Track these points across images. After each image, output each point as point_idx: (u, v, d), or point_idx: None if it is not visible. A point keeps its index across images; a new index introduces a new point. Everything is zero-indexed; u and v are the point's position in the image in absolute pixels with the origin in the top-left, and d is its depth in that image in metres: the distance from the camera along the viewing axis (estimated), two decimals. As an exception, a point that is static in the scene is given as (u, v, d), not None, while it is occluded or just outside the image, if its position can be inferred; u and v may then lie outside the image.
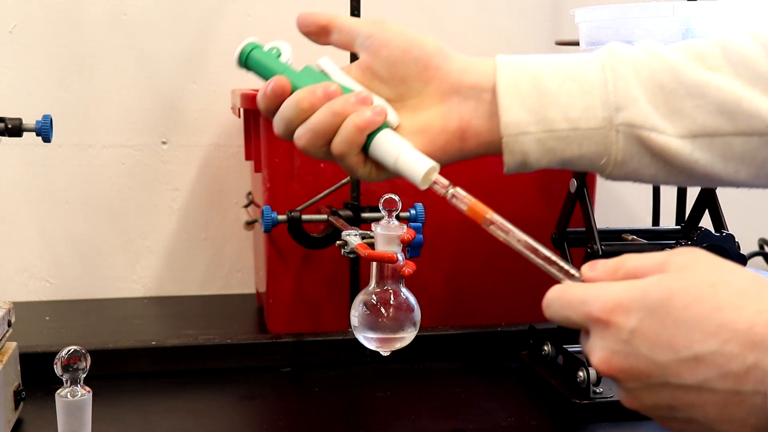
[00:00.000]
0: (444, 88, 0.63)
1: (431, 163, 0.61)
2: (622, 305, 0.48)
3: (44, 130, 0.89)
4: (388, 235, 0.78)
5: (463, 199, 0.60)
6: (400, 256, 0.78)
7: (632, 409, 0.52)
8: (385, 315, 0.78)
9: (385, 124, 0.62)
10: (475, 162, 1.17)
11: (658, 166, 0.62)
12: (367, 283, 0.81)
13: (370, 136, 0.62)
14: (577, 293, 0.51)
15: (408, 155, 0.61)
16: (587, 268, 0.53)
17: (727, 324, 0.44)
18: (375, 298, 0.79)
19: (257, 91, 1.15)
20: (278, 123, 0.64)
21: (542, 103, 0.61)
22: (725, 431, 0.46)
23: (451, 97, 0.63)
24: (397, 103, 0.64)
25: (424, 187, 0.61)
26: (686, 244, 0.92)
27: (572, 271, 0.55)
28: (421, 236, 0.91)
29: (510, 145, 0.62)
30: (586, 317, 0.50)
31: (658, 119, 0.61)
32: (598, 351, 0.49)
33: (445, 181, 0.61)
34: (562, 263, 0.55)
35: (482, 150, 0.65)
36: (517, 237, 0.57)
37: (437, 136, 0.64)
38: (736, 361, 0.44)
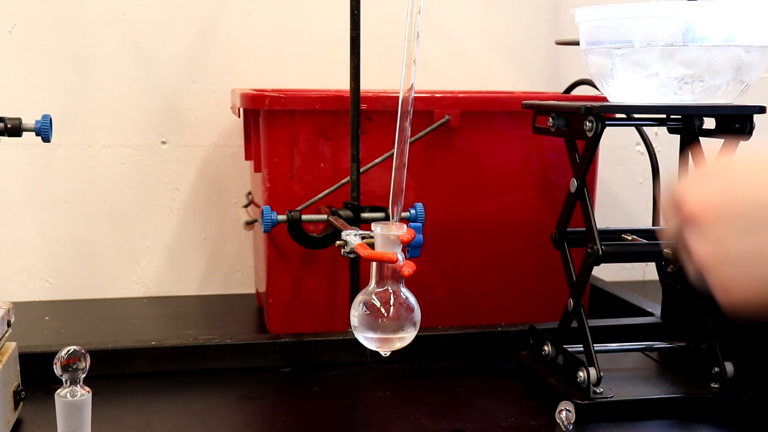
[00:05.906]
0: None
1: None
2: (730, 161, 0.52)
3: (44, 130, 0.89)
4: (387, 235, 0.78)
5: None
6: (400, 256, 0.78)
7: (702, 262, 0.51)
8: (385, 315, 0.78)
9: None
10: (475, 162, 1.18)
11: None
12: (367, 283, 0.81)
13: None
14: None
15: None
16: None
17: None
18: (375, 298, 0.79)
19: (257, 91, 1.15)
20: None
21: None
22: None
23: None
24: None
25: None
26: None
27: None
28: (421, 236, 0.91)
29: None
30: (696, 172, 0.54)
31: None
32: (704, 193, 0.51)
33: None
34: None
35: None
36: None
37: None
38: None
